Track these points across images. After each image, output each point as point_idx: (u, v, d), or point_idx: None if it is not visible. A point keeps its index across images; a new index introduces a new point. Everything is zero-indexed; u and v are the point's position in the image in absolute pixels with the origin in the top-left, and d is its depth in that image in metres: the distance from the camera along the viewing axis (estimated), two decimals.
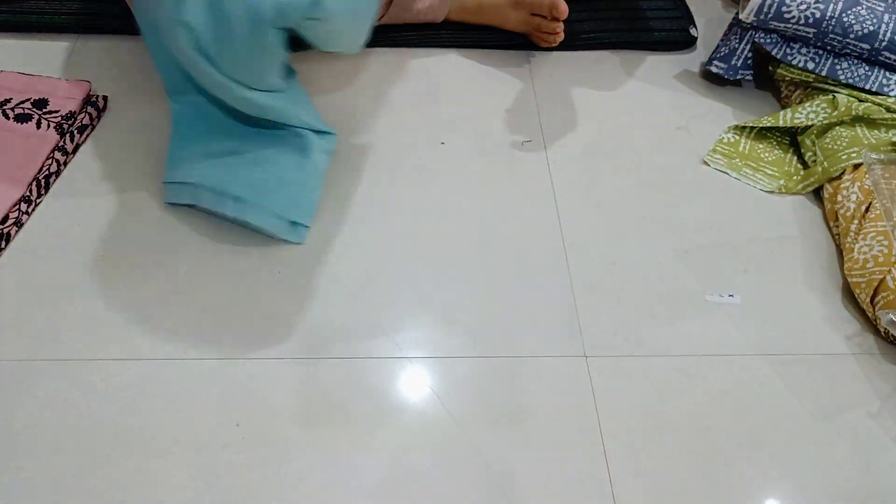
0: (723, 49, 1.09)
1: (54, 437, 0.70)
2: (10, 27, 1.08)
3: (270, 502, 0.67)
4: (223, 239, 0.86)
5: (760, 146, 1.03)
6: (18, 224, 0.84)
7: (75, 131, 0.93)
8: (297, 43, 0.79)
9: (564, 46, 1.12)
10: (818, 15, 0.98)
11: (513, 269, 0.86)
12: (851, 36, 0.98)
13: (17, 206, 0.85)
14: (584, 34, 1.15)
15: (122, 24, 1.07)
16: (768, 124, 1.01)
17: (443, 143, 0.99)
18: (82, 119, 0.94)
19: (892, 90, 1.00)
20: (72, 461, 0.68)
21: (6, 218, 0.83)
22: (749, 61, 1.07)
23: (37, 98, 0.94)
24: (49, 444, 0.69)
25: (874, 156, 0.85)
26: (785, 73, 1.05)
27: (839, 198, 0.91)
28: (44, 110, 0.93)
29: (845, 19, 0.97)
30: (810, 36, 1.00)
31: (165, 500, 0.67)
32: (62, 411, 0.71)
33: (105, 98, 0.98)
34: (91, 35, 1.09)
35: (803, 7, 0.98)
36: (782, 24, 1.00)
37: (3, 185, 0.85)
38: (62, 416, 0.71)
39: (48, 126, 0.91)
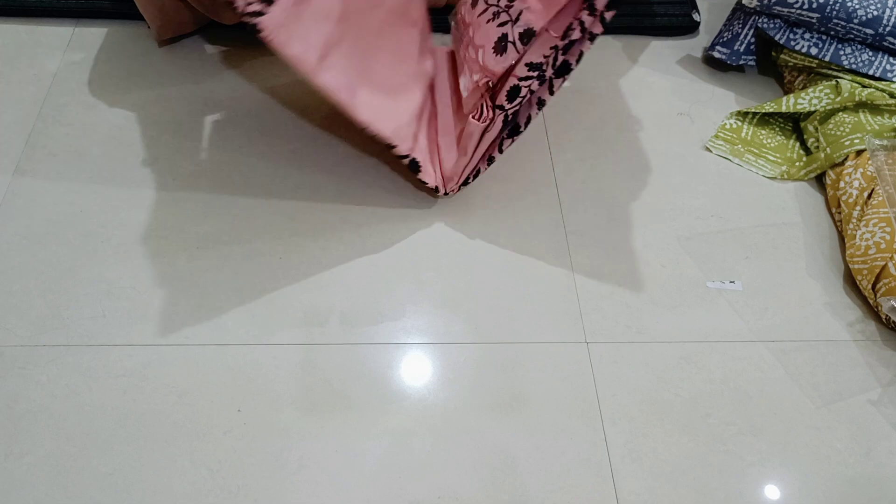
0: (726, 34, 1.09)
1: (56, 422, 0.70)
2: (9, 11, 1.07)
3: (272, 488, 0.67)
4: (224, 225, 0.86)
5: (763, 132, 1.02)
6: None
7: None
8: None
9: None
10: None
11: (514, 255, 0.86)
12: (855, 21, 0.97)
13: None
14: None
15: (122, 8, 1.06)
16: (771, 110, 1.00)
17: None
18: None
19: None
20: (73, 446, 0.69)
21: None
22: (752, 46, 1.07)
23: None
24: (51, 428, 0.70)
25: (878, 142, 0.85)
26: (788, 58, 1.05)
27: (841, 184, 0.91)
28: None
29: (849, 4, 0.97)
30: (814, 21, 0.99)
31: (167, 486, 0.67)
32: (64, 396, 0.72)
33: None
34: (91, 20, 1.08)
35: None
36: (785, 9, 0.99)
37: None
38: (64, 401, 0.71)
39: None
